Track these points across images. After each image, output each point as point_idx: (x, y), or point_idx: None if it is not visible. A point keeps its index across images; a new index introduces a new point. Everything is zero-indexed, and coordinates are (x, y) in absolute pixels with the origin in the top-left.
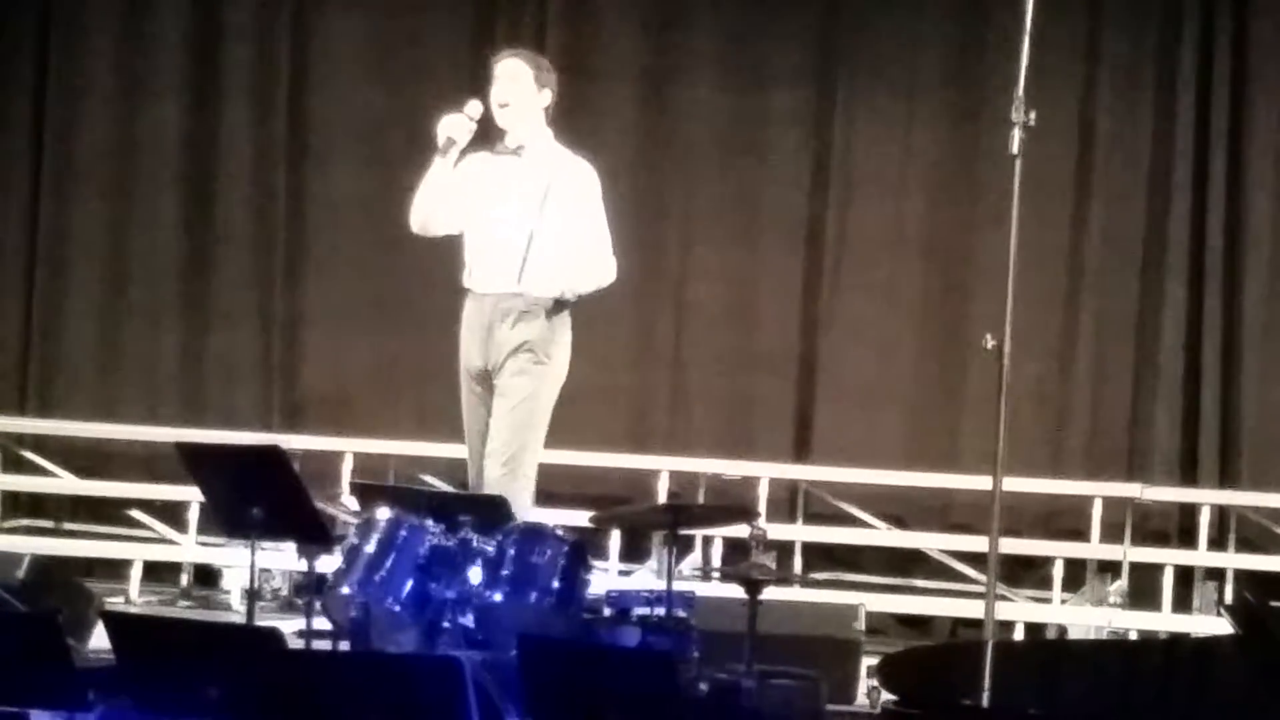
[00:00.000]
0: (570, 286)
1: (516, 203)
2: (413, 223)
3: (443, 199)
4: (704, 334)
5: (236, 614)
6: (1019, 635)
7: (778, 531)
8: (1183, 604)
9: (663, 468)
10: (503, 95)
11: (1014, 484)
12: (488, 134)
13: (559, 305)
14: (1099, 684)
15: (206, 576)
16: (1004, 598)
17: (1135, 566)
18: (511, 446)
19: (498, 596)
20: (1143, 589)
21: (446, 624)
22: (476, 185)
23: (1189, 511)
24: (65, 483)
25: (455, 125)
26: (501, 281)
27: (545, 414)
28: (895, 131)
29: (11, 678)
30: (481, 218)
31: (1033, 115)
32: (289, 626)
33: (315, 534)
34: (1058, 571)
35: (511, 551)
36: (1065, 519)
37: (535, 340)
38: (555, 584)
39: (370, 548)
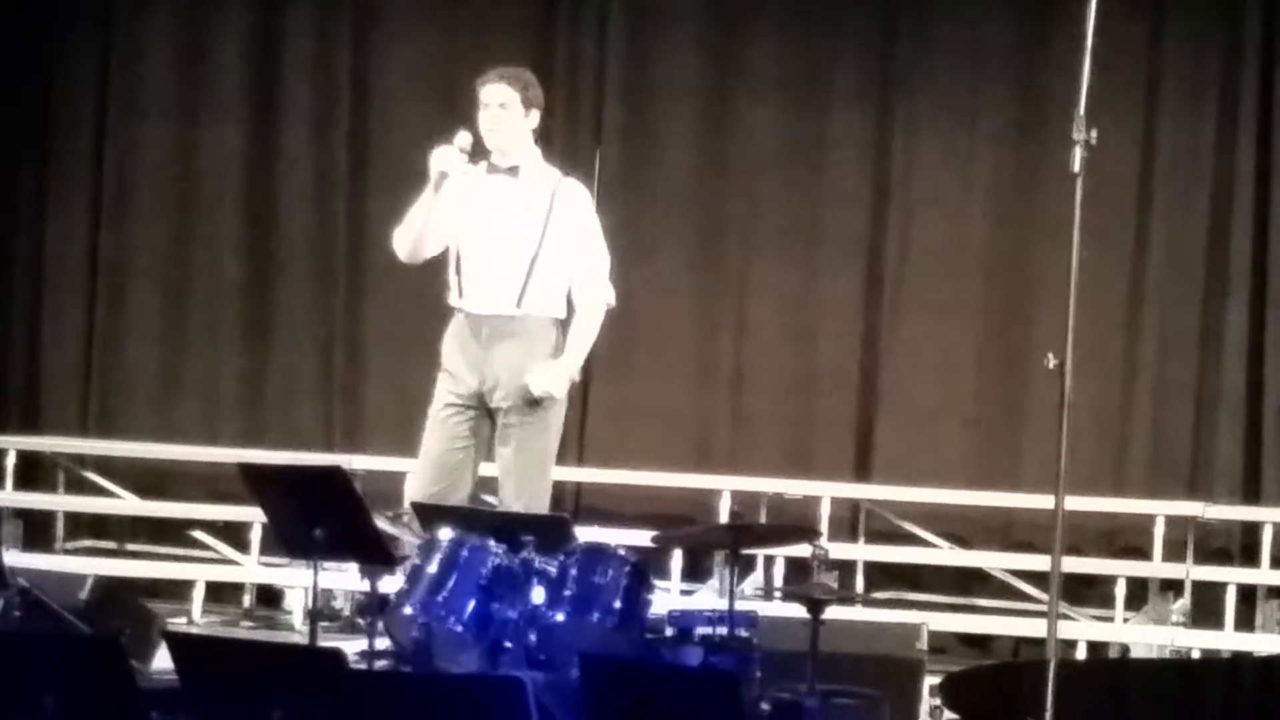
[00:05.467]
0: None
1: (517, 224)
2: (399, 251)
3: (434, 224)
4: (765, 354)
5: (299, 635)
6: (1081, 654)
7: (839, 551)
8: (1246, 622)
9: (724, 487)
10: (491, 121)
11: (1076, 503)
12: (476, 150)
13: (557, 327)
14: (1162, 703)
15: (269, 597)
16: (1066, 616)
17: (1198, 585)
18: (546, 478)
19: (560, 616)
20: (1205, 607)
21: (509, 644)
22: (471, 202)
23: (1251, 529)
24: (127, 504)
25: (448, 158)
26: (501, 303)
27: (558, 441)
28: (955, 150)
29: (76, 699)
30: (478, 236)
31: (1094, 133)
32: (352, 647)
33: (377, 554)
34: (1120, 590)
35: (573, 571)
36: (1127, 537)
37: (538, 364)
38: (617, 604)
39: (432, 568)
